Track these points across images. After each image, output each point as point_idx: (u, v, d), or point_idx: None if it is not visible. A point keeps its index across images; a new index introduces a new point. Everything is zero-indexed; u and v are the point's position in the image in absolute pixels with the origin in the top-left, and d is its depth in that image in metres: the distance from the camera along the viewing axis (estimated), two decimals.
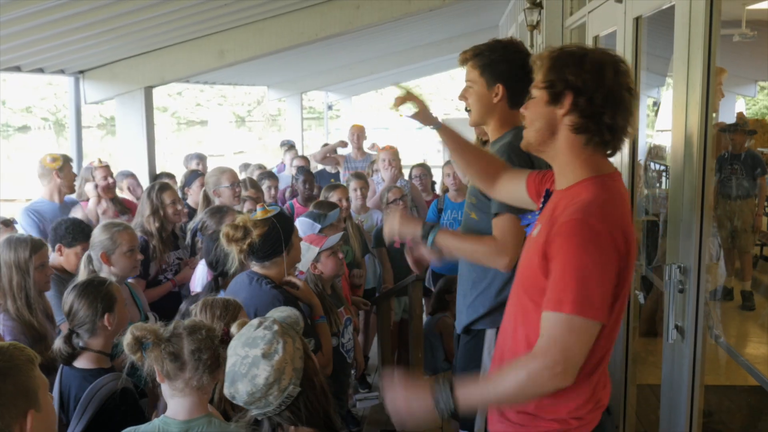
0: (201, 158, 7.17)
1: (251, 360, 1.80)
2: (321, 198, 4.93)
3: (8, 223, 3.85)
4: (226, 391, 1.84)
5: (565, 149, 1.79)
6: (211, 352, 2.02)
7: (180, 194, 5.62)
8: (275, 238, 2.72)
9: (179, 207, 4.33)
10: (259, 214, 2.77)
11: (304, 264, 3.28)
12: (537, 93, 1.81)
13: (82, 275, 3.08)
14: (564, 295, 1.62)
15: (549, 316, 1.64)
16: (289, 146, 8.92)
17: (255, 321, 1.90)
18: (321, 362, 2.57)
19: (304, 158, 7.57)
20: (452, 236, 2.41)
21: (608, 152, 1.81)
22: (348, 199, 4.99)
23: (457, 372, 2.75)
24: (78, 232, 3.55)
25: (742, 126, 3.61)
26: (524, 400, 1.74)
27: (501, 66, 2.42)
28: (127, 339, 1.98)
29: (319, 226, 3.81)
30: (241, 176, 7.12)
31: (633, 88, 1.76)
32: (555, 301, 1.63)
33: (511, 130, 2.43)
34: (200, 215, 4.16)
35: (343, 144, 7.67)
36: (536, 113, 1.81)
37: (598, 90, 1.72)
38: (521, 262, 1.91)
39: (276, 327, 1.85)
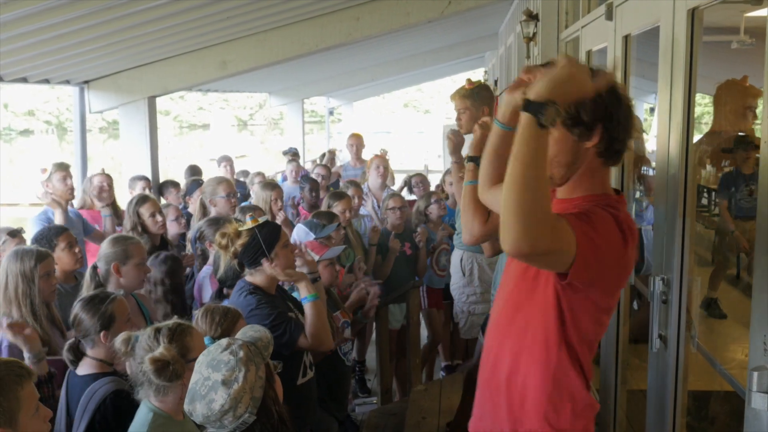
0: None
1: (211, 383, 1.83)
2: (325, 205, 4.99)
3: (15, 234, 3.93)
4: (185, 407, 1.89)
5: (584, 171, 1.73)
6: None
7: (182, 203, 5.75)
8: (256, 248, 2.85)
9: (159, 218, 4.37)
10: (247, 223, 2.90)
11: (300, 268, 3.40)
12: (554, 130, 1.61)
13: (87, 287, 3.17)
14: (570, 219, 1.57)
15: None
16: (293, 155, 8.40)
17: (224, 341, 1.93)
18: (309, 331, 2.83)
19: (325, 167, 7.32)
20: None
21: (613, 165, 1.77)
22: (351, 210, 5.05)
23: None
24: (52, 235, 3.64)
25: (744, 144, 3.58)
26: (519, 179, 1.45)
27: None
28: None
29: (313, 236, 3.91)
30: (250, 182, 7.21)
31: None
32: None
33: None
34: (197, 224, 4.22)
35: (333, 152, 7.67)
36: (561, 150, 1.68)
37: (620, 110, 1.67)
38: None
39: (241, 354, 1.86)
